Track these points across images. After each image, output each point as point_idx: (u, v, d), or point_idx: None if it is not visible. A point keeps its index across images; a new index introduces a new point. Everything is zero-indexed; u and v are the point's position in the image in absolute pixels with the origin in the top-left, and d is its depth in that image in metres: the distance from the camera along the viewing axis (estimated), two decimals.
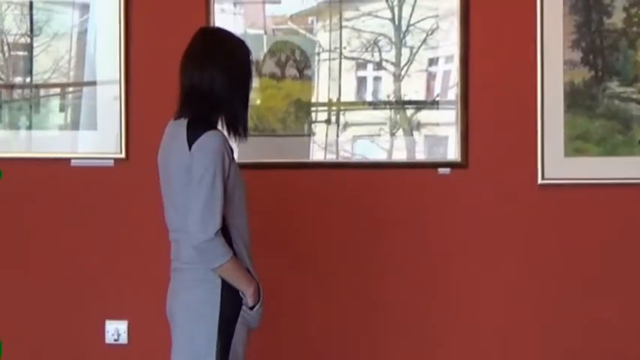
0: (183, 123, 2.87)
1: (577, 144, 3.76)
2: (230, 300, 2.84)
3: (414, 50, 3.79)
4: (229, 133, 2.91)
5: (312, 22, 3.83)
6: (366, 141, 3.83)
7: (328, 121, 3.84)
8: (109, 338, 3.88)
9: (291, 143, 3.84)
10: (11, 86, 3.90)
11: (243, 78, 2.92)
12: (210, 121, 2.87)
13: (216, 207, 2.78)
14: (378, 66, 3.82)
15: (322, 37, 3.82)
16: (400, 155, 3.83)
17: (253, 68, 2.98)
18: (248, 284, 2.85)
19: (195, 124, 2.84)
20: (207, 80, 2.88)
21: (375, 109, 3.82)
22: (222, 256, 2.80)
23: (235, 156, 2.90)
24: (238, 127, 2.92)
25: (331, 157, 3.84)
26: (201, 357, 2.83)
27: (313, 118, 3.84)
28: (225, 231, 2.82)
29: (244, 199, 2.91)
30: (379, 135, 3.82)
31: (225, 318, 2.83)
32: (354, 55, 3.81)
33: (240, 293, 2.86)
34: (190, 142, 2.81)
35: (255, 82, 3.80)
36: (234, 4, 3.83)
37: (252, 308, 2.86)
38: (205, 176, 2.78)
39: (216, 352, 2.81)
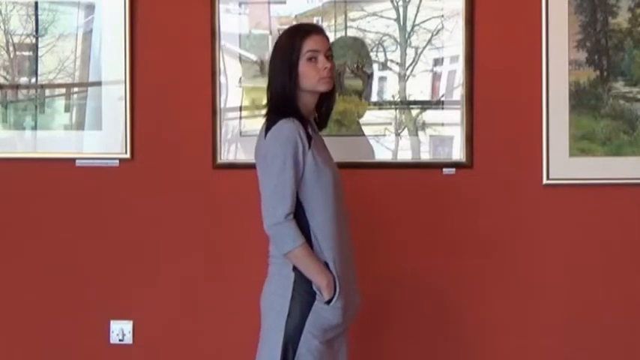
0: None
1: (582, 144, 3.76)
2: (302, 293, 2.89)
3: (419, 50, 3.79)
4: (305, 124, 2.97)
5: (318, 22, 3.82)
6: (372, 141, 3.83)
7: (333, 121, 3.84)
8: (114, 338, 3.89)
9: None
10: (16, 86, 3.91)
11: (275, 70, 2.99)
12: (285, 112, 2.93)
13: (286, 192, 2.85)
14: (383, 66, 3.82)
15: None
16: (405, 155, 3.83)
17: (300, 51, 2.96)
18: (320, 276, 2.88)
19: (271, 115, 2.96)
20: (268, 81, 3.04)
21: (380, 109, 3.82)
22: (291, 242, 2.86)
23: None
24: (296, 115, 2.95)
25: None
26: (271, 347, 2.90)
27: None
28: (304, 223, 2.89)
29: (332, 194, 2.93)
30: (384, 135, 3.82)
31: (294, 311, 2.89)
32: None
33: (314, 287, 2.88)
34: (267, 131, 2.92)
35: (262, 83, 3.81)
36: (240, 5, 3.84)
37: (328, 303, 2.88)
38: (275, 162, 2.86)
39: (283, 344, 2.87)
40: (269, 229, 2.88)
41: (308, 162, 2.89)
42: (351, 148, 3.78)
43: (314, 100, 3.03)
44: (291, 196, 2.86)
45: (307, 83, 2.97)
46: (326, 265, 2.90)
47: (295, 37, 2.98)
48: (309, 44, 2.96)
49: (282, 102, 2.95)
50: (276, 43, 3.05)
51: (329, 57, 3.00)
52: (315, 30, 3.04)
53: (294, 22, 3.81)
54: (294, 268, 2.91)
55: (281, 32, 3.17)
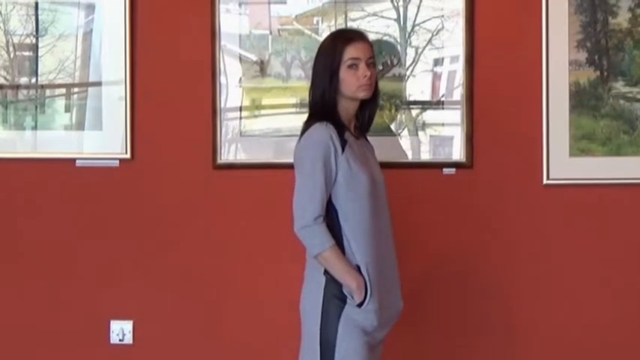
0: None
1: (582, 144, 3.76)
2: (333, 297, 2.89)
3: (420, 50, 3.80)
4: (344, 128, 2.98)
5: (318, 22, 3.83)
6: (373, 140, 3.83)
7: None
8: (114, 338, 3.89)
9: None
10: (17, 87, 3.91)
11: (317, 74, 3.00)
12: (324, 117, 2.95)
13: (315, 194, 2.86)
14: (384, 66, 3.82)
15: None
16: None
17: (342, 58, 2.96)
18: (349, 278, 2.87)
19: (310, 119, 2.99)
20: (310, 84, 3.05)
21: (380, 109, 3.81)
22: (319, 244, 2.86)
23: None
24: (334, 120, 2.96)
25: None
26: (309, 353, 2.91)
27: None
28: (337, 226, 2.89)
29: (367, 199, 2.92)
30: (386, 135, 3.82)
31: (327, 315, 2.89)
32: None
33: (345, 291, 2.88)
34: (301, 135, 2.96)
35: (262, 83, 3.82)
36: (240, 5, 3.84)
37: (360, 306, 2.88)
38: (305, 165, 2.89)
39: (320, 349, 2.87)
40: (298, 231, 2.89)
41: (341, 166, 2.89)
42: None
43: (354, 106, 3.02)
44: (320, 199, 2.86)
45: (347, 90, 2.97)
46: (358, 268, 2.90)
47: (337, 44, 2.98)
48: (351, 52, 2.96)
49: (321, 106, 2.97)
50: (320, 47, 3.05)
51: (370, 64, 2.99)
52: (358, 37, 3.02)
53: (295, 23, 3.82)
54: (326, 272, 2.91)
55: (327, 36, 3.15)
